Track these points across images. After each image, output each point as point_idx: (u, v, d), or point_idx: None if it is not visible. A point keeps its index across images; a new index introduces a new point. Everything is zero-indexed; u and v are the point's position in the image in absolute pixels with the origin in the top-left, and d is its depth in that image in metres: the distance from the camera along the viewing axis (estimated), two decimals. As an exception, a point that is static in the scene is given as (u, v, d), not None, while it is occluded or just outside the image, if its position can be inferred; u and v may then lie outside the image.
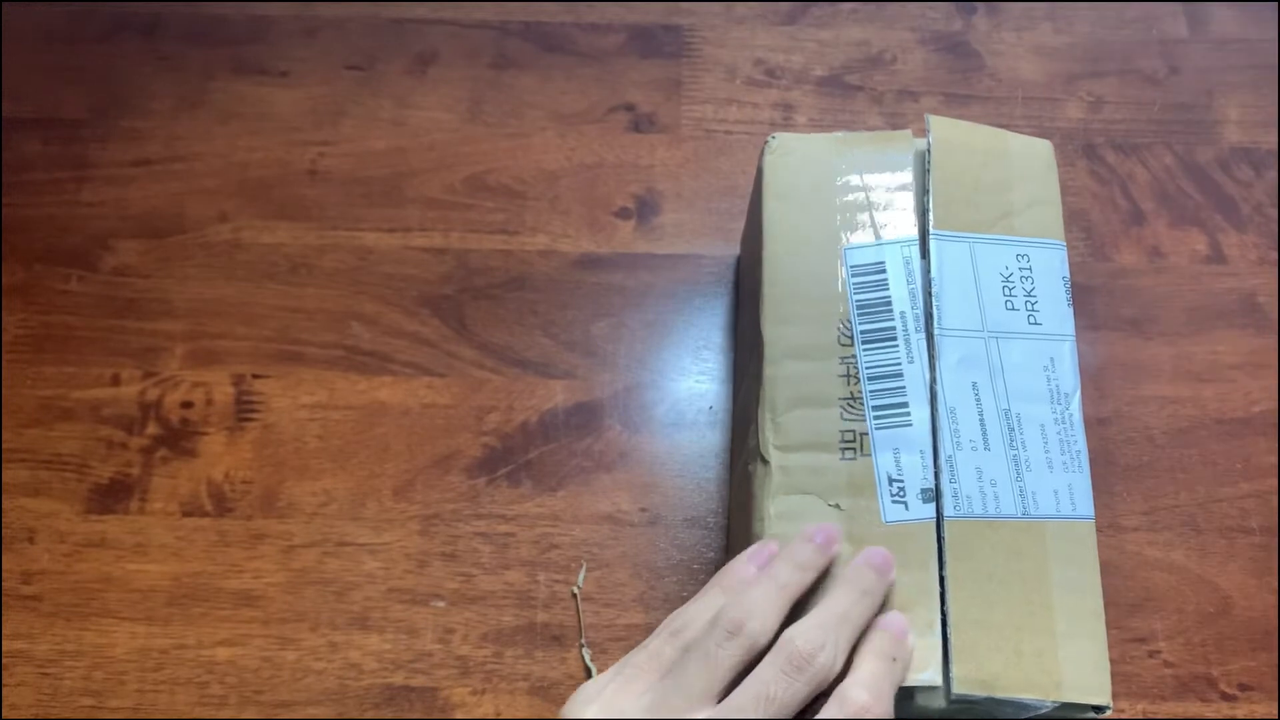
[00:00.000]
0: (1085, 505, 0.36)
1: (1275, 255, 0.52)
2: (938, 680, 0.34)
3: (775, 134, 0.42)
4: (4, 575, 0.45)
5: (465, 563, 0.46)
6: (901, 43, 0.57)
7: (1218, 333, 0.50)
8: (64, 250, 0.52)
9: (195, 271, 0.51)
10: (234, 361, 0.49)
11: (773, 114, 0.55)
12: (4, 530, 0.46)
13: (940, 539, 0.36)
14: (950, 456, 0.36)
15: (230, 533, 0.46)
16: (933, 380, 0.37)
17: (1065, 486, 0.37)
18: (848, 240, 0.40)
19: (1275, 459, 0.48)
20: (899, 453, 0.37)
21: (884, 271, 0.39)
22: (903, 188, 0.40)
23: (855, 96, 0.56)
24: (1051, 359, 0.38)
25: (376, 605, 0.45)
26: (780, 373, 0.38)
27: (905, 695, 0.34)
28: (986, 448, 0.37)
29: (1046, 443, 0.37)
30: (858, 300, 0.39)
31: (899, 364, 0.38)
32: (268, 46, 0.57)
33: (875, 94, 0.56)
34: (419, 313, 0.50)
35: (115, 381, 0.49)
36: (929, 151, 0.40)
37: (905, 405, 0.37)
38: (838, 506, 0.36)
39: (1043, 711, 0.34)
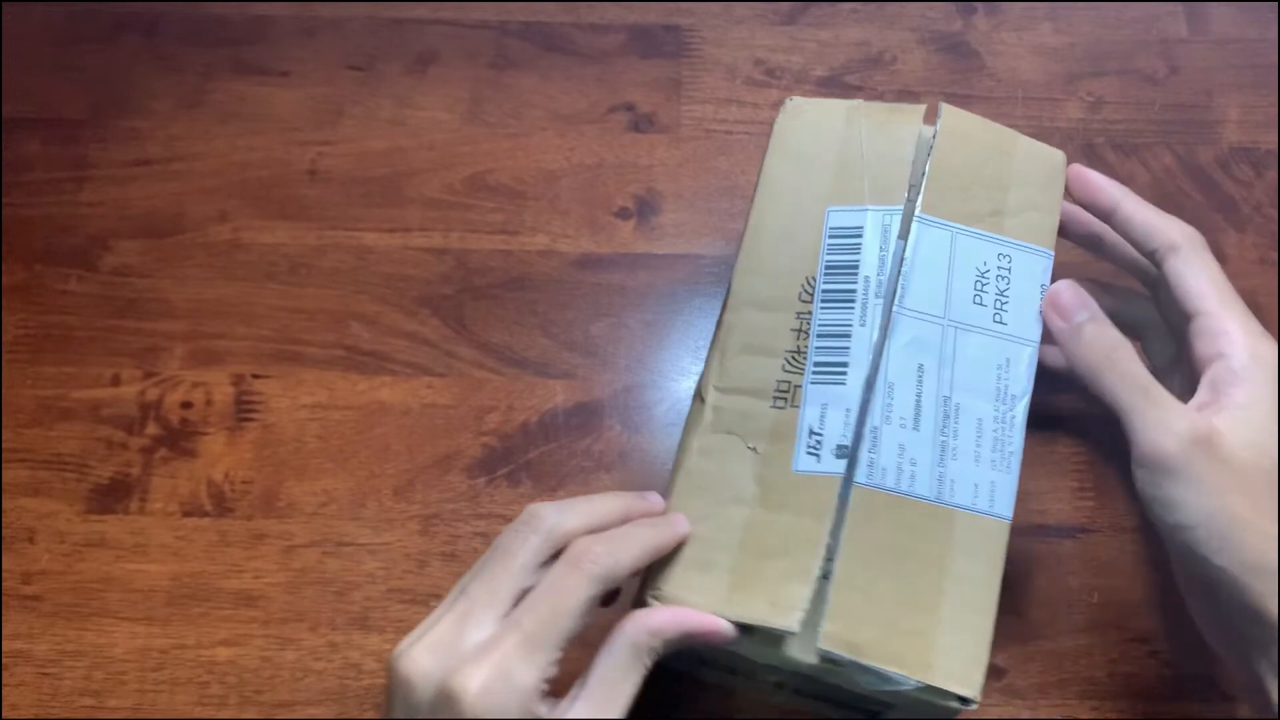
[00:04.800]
0: (1004, 505, 0.36)
1: (1275, 255, 0.52)
2: (796, 627, 0.33)
3: (794, 97, 0.43)
4: (4, 575, 0.45)
5: (465, 563, 0.46)
6: (901, 43, 0.57)
7: (1218, 333, 0.50)
8: (64, 250, 0.52)
9: (195, 271, 0.51)
10: (234, 361, 0.49)
11: (773, 114, 0.55)
12: (4, 530, 0.46)
13: (844, 497, 0.36)
14: (876, 428, 0.36)
15: (230, 533, 0.46)
16: (878, 353, 0.37)
17: (988, 483, 0.36)
18: (834, 203, 0.40)
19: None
20: (826, 408, 0.37)
21: (860, 236, 0.39)
22: (901, 162, 0.40)
23: (855, 97, 0.56)
24: (1008, 359, 0.38)
25: (376, 605, 0.45)
26: (738, 319, 0.39)
27: (773, 641, 0.34)
28: (916, 428, 0.37)
29: (980, 437, 0.37)
30: (828, 260, 0.39)
31: (850, 325, 0.38)
32: (268, 46, 0.57)
33: (875, 94, 0.56)
34: (419, 313, 0.50)
35: (115, 381, 0.49)
36: (934, 137, 0.40)
37: (845, 365, 0.37)
38: (754, 450, 0.37)
39: (904, 689, 0.34)
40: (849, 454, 0.36)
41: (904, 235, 0.39)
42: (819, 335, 0.38)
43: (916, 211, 0.39)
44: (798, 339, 0.38)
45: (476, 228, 0.52)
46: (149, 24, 0.57)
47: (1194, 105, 0.56)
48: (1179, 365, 0.42)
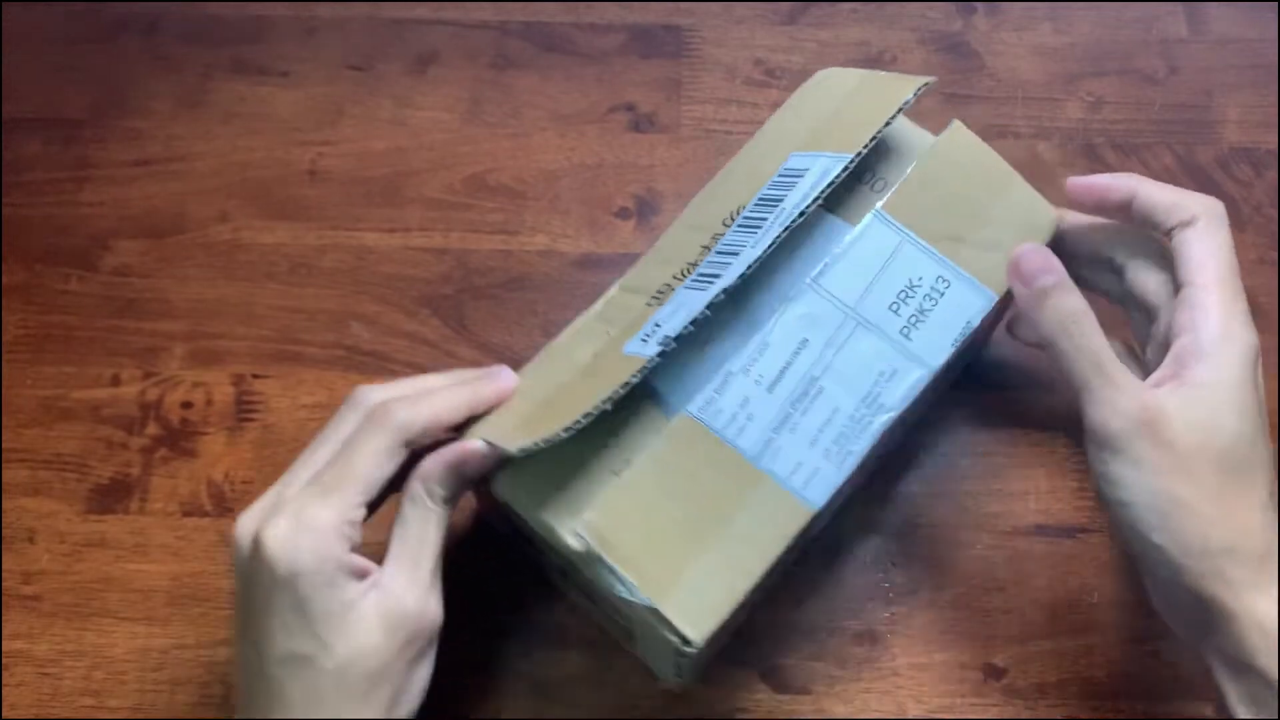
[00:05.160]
0: (817, 494, 0.36)
1: (1275, 255, 0.52)
2: (514, 450, 0.33)
3: (829, 68, 0.43)
4: (4, 575, 0.45)
5: (464, 565, 0.46)
6: (901, 43, 0.57)
7: (1218, 333, 0.50)
8: (64, 250, 0.52)
9: (195, 271, 0.51)
10: (234, 361, 0.49)
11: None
12: (4, 530, 0.46)
13: (669, 420, 0.36)
14: (731, 374, 0.37)
15: (230, 533, 0.46)
16: (770, 321, 0.37)
17: (812, 467, 0.36)
18: (800, 149, 0.40)
19: (1275, 460, 0.48)
20: (680, 308, 0.37)
21: (801, 176, 0.39)
22: (870, 123, 0.39)
23: (855, 96, 0.56)
24: (894, 371, 0.37)
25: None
26: (670, 235, 0.41)
27: (534, 500, 0.36)
28: (769, 390, 0.37)
29: (827, 425, 0.37)
30: (762, 194, 0.40)
31: (744, 246, 0.38)
32: (268, 46, 0.57)
33: (875, 94, 0.56)
34: (419, 313, 0.50)
35: (115, 381, 0.49)
36: (931, 147, 0.40)
37: (719, 278, 0.37)
38: (608, 333, 0.39)
39: (636, 603, 0.34)
40: (670, 345, 0.35)
41: (853, 220, 0.39)
42: (716, 252, 0.39)
43: (878, 205, 0.39)
44: (700, 253, 0.39)
45: (476, 228, 0.52)
46: (149, 24, 0.57)
47: (1194, 105, 0.56)
48: (1150, 340, 0.41)
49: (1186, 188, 0.53)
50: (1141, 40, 0.57)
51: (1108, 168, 0.54)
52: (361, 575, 0.34)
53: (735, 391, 0.36)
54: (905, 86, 0.41)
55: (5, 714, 0.43)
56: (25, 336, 0.50)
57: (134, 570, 0.46)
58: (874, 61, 0.57)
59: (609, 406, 0.34)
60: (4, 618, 0.45)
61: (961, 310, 0.38)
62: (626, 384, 0.34)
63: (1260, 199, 0.53)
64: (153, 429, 0.48)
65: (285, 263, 0.52)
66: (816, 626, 0.45)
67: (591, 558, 0.35)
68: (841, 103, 0.42)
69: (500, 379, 0.38)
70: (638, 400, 0.37)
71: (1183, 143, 0.55)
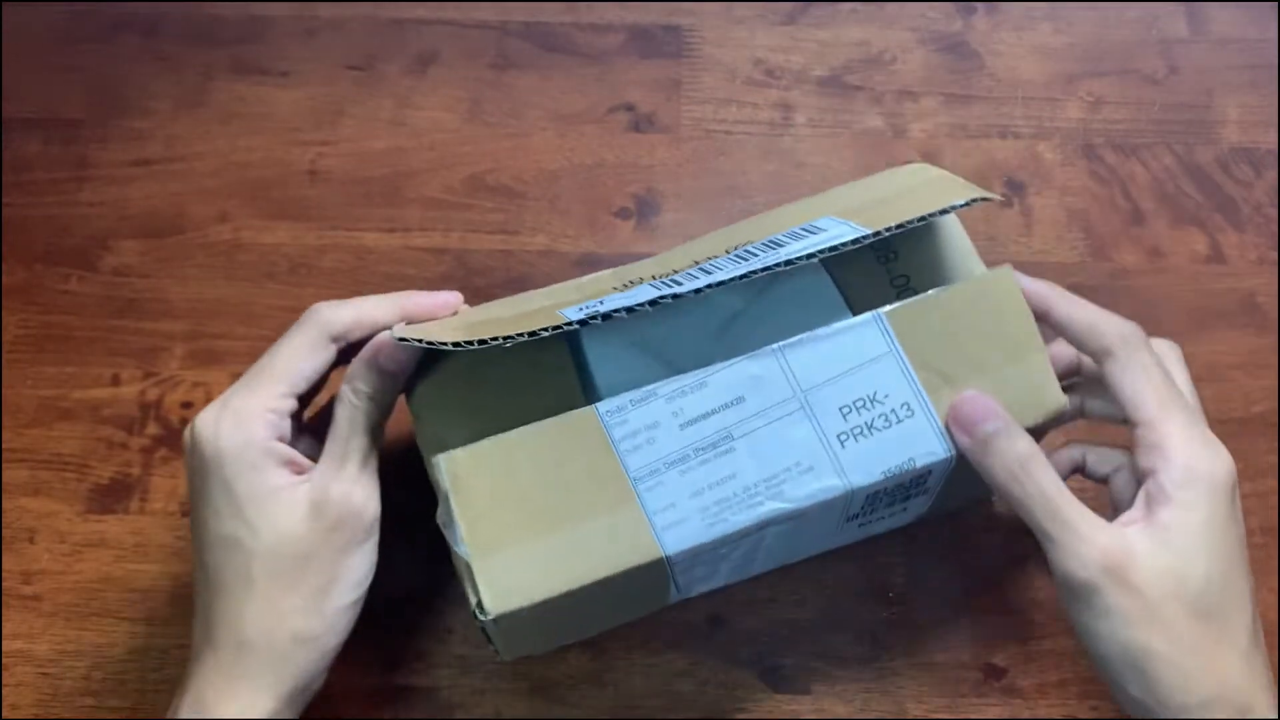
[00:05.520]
0: (672, 542, 0.35)
1: (1275, 255, 0.52)
2: (451, 343, 0.34)
3: (922, 163, 0.43)
4: (4, 575, 0.45)
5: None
6: (901, 43, 0.57)
7: (1217, 333, 0.50)
8: (64, 250, 0.52)
9: (195, 271, 0.51)
10: (234, 361, 0.49)
11: (772, 114, 0.55)
12: (4, 530, 0.46)
13: (582, 411, 0.36)
14: (653, 393, 0.36)
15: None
16: (719, 365, 0.37)
17: (681, 516, 0.35)
18: (835, 215, 0.39)
19: (1275, 459, 0.48)
20: (629, 298, 0.36)
21: (813, 233, 0.38)
22: (905, 213, 0.38)
23: (855, 96, 0.56)
24: (810, 469, 0.36)
25: (376, 604, 0.45)
26: (677, 248, 0.42)
27: (437, 417, 0.37)
28: (681, 427, 0.36)
29: (718, 486, 0.35)
30: (772, 237, 0.39)
31: (722, 269, 0.37)
32: (268, 46, 0.57)
33: (875, 94, 0.56)
34: (419, 313, 0.50)
35: (115, 381, 0.49)
36: (970, 281, 0.38)
37: (680, 285, 0.36)
38: (569, 298, 0.39)
39: (456, 550, 0.35)
40: (596, 320, 0.35)
41: (856, 308, 0.39)
42: (699, 267, 0.38)
43: (885, 308, 0.37)
44: (688, 266, 0.39)
45: (476, 228, 0.52)
46: (149, 24, 0.57)
47: (1194, 105, 0.56)
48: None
49: (1186, 188, 0.53)
50: (1141, 40, 0.57)
51: (1108, 167, 0.54)
52: (296, 470, 0.36)
53: (649, 412, 0.36)
54: (964, 192, 0.39)
55: (5, 714, 0.43)
56: (25, 336, 0.50)
57: (134, 570, 0.45)
58: (874, 61, 0.57)
59: (503, 344, 0.34)
60: (4, 618, 0.45)
61: (909, 445, 0.36)
62: (534, 333, 0.34)
63: (1260, 199, 0.53)
64: (153, 429, 0.48)
65: (285, 263, 0.52)
66: (816, 626, 0.45)
67: (441, 491, 0.35)
68: (903, 190, 0.41)
69: (441, 295, 0.39)
70: (568, 377, 0.38)
71: (1183, 143, 0.55)
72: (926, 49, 0.57)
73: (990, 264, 0.41)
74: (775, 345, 0.37)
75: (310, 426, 0.40)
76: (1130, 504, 0.35)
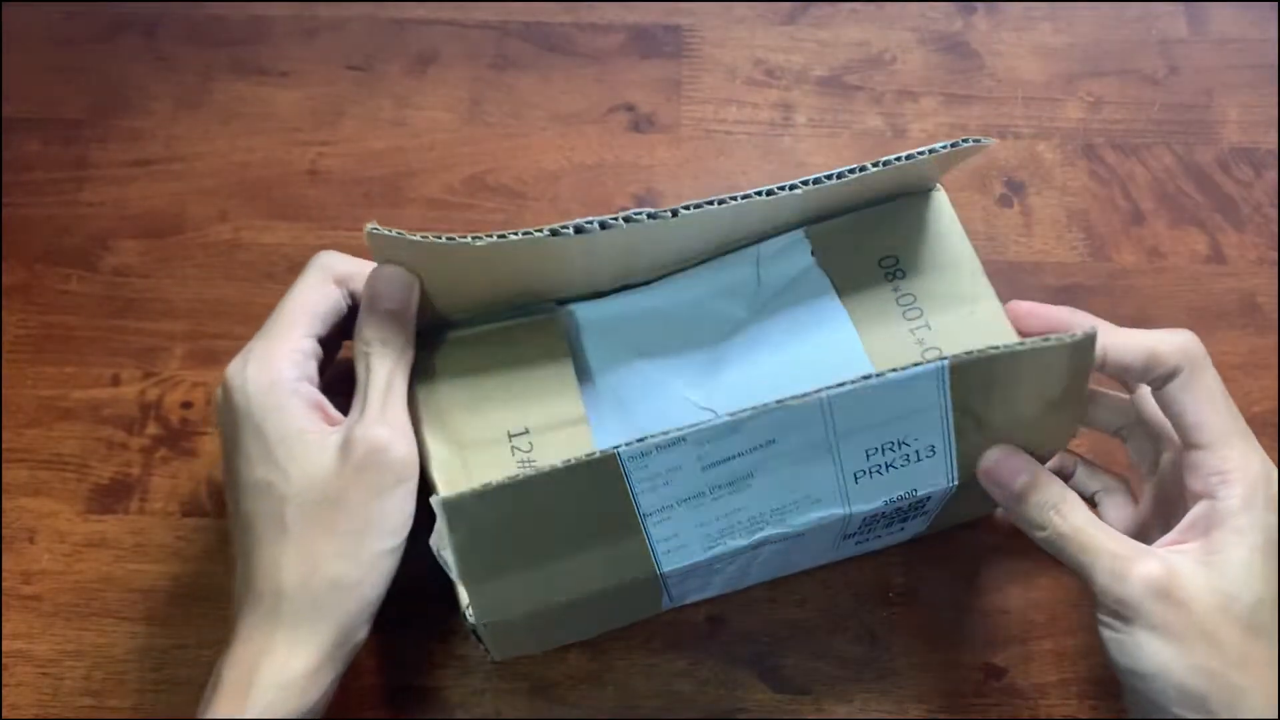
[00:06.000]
0: (670, 562, 0.35)
1: (1275, 255, 0.52)
2: (390, 233, 0.35)
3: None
4: (4, 575, 0.45)
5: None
6: (901, 43, 0.57)
7: (1217, 333, 0.50)
8: (64, 250, 0.52)
9: (195, 271, 0.51)
10: (234, 361, 0.49)
11: (772, 114, 0.55)
12: (4, 530, 0.46)
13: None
14: (682, 440, 0.33)
15: (230, 533, 0.46)
16: (751, 411, 0.34)
17: (682, 542, 0.35)
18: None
19: (1275, 459, 0.48)
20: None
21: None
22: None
23: (855, 96, 0.56)
24: (816, 502, 0.35)
25: (376, 605, 0.45)
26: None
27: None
28: (703, 469, 0.34)
29: (725, 517, 0.35)
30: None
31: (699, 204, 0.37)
32: (268, 46, 0.57)
33: (875, 94, 0.56)
34: (419, 313, 0.50)
35: (115, 381, 0.49)
36: (1049, 346, 0.34)
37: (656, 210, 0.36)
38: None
39: (437, 545, 0.35)
40: (581, 229, 0.35)
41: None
42: (682, 206, 0.36)
43: (950, 358, 0.34)
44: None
45: (476, 228, 0.52)
46: (149, 24, 0.57)
47: (1194, 105, 0.56)
48: (1155, 470, 0.40)
49: (1186, 188, 0.53)
50: (1141, 40, 0.57)
51: (1108, 167, 0.54)
52: (325, 418, 0.36)
53: (673, 458, 0.34)
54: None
55: (5, 714, 0.43)
56: (25, 336, 0.50)
57: (134, 570, 0.45)
58: (874, 61, 0.57)
59: (494, 239, 0.35)
60: (4, 618, 0.45)
61: (919, 478, 0.36)
62: (526, 232, 0.35)
63: (1260, 199, 0.53)
64: (153, 429, 0.48)
65: (285, 263, 0.51)
66: (816, 626, 0.45)
67: (438, 526, 0.34)
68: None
69: None
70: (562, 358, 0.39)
71: (1183, 143, 0.55)
72: (926, 49, 0.57)
73: (990, 264, 0.41)
74: (825, 393, 0.34)
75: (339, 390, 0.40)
76: (1123, 528, 0.36)
